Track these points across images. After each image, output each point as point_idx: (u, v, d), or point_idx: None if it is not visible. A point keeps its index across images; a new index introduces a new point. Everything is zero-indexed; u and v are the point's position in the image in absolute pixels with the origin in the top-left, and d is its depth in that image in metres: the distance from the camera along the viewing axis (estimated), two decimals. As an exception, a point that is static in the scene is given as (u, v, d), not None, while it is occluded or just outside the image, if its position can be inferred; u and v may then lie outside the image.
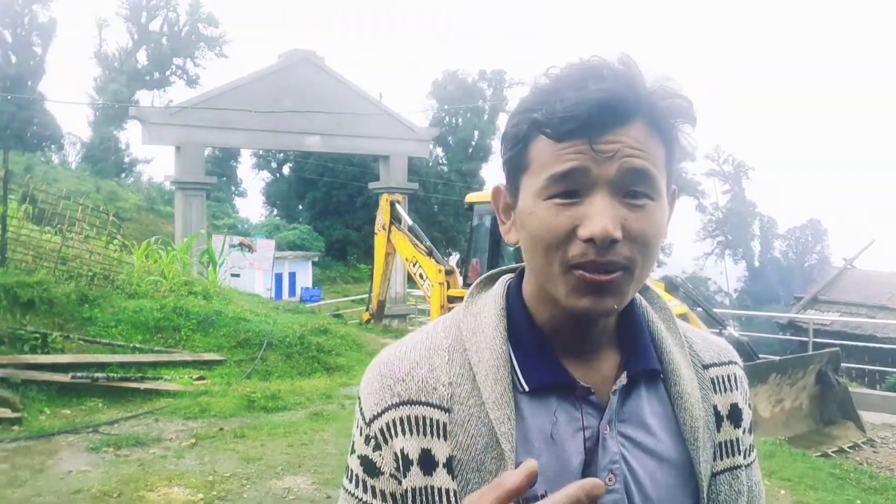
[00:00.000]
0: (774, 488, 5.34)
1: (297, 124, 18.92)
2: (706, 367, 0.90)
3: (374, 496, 0.84)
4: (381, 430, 0.83)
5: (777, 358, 8.94)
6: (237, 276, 16.68)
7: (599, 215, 0.74)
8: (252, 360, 9.07)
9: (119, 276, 10.52)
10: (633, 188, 0.76)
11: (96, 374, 7.58)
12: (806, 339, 11.84)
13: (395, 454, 0.82)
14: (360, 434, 0.86)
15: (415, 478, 0.81)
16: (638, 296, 0.91)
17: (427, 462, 0.80)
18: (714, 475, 0.85)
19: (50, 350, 8.02)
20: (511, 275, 0.92)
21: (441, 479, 0.79)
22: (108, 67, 38.94)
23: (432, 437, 0.80)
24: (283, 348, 9.59)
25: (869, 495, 5.54)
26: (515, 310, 0.86)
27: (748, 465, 0.92)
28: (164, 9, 39.88)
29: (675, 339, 0.89)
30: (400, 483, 0.82)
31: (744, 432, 0.91)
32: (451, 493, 0.79)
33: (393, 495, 0.83)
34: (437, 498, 0.79)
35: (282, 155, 37.99)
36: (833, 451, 7.04)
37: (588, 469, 0.79)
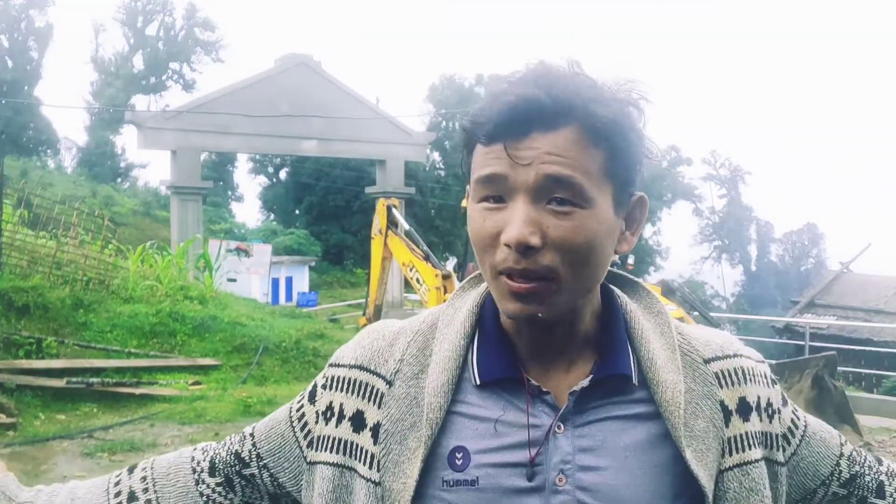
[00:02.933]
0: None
1: (293, 129, 18.94)
2: (707, 361, 0.88)
3: (303, 413, 0.92)
4: (333, 377, 0.91)
5: (774, 362, 8.96)
6: (234, 280, 16.65)
7: (516, 221, 0.76)
8: (248, 365, 9.05)
9: (114, 280, 10.49)
10: (555, 195, 0.76)
11: (91, 380, 7.56)
12: (802, 342, 11.86)
13: (330, 402, 0.89)
14: (322, 374, 0.94)
15: (344, 431, 0.87)
16: (625, 300, 0.91)
17: (358, 421, 0.86)
18: (721, 472, 0.83)
19: (45, 355, 7.99)
20: None
21: (365, 440, 0.85)
22: (104, 72, 38.92)
23: (368, 401, 0.87)
24: (280, 353, 9.57)
25: (866, 499, 5.54)
26: (489, 307, 0.88)
27: (794, 448, 0.92)
28: (161, 13, 39.89)
29: (664, 343, 0.87)
30: (316, 418, 0.90)
31: (768, 422, 0.89)
32: (370, 455, 0.84)
33: (309, 420, 0.91)
34: (359, 454, 0.85)
35: (278, 159, 37.92)
36: (830, 455, 7.04)
37: (536, 466, 0.79)
